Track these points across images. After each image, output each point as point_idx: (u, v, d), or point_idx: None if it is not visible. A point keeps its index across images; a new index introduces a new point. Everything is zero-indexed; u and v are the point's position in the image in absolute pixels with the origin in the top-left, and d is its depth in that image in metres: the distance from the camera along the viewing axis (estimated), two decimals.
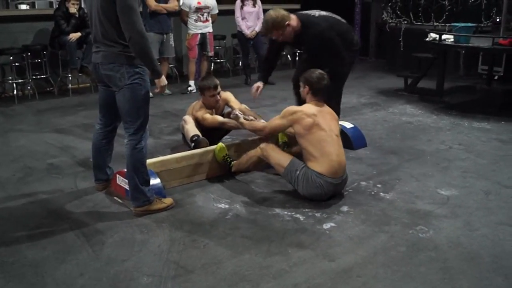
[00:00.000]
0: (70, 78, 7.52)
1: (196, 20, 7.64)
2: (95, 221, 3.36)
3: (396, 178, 4.15)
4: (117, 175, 3.73)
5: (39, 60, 7.31)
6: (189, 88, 7.74)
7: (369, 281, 2.68)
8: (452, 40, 6.67)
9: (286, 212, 3.50)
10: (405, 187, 3.97)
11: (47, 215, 3.48)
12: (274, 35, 4.40)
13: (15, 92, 7.11)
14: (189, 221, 3.38)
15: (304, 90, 3.83)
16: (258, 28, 8.34)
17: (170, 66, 8.30)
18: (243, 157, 4.10)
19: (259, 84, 4.73)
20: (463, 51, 8.49)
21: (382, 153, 4.79)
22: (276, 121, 3.86)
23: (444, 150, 4.90)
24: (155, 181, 3.61)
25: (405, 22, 9.13)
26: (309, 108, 3.72)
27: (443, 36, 6.76)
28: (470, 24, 6.93)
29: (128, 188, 3.49)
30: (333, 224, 3.32)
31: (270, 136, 4.27)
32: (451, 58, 8.67)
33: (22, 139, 5.24)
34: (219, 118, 4.59)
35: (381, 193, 3.84)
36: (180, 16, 7.79)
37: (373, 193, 3.85)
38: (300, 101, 4.41)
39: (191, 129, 4.43)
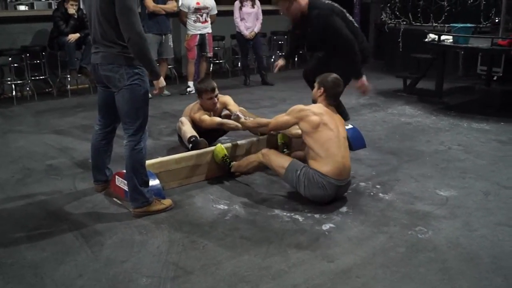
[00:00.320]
0: (69, 79, 7.52)
1: (195, 21, 7.64)
2: (94, 222, 3.36)
3: (395, 179, 4.15)
4: (116, 176, 3.73)
5: (38, 61, 7.29)
6: (188, 89, 7.74)
7: (368, 282, 2.68)
8: (451, 40, 6.68)
9: (285, 213, 3.50)
10: (404, 187, 3.97)
11: (46, 216, 3.48)
12: (280, 6, 4.49)
13: (14, 93, 7.10)
14: (188, 222, 3.38)
15: (318, 91, 3.78)
16: (257, 29, 8.36)
17: (169, 67, 8.29)
18: (243, 161, 4.10)
19: (281, 61, 4.95)
20: (462, 52, 8.50)
21: (381, 154, 4.80)
22: (282, 117, 3.83)
23: (443, 150, 4.91)
24: (154, 182, 3.61)
25: (404, 22, 9.13)
26: (318, 107, 3.70)
27: (442, 37, 6.77)
28: (469, 25, 6.93)
29: (127, 189, 3.49)
30: (332, 225, 3.32)
31: (274, 133, 4.30)
32: (450, 59, 8.68)
33: (21, 140, 5.24)
34: (217, 119, 4.59)
35: (380, 194, 3.84)
36: (179, 16, 7.79)
37: (372, 194, 3.85)
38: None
39: (188, 130, 4.42)
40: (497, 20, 8.30)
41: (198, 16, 7.63)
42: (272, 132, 4.30)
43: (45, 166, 4.46)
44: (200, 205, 3.65)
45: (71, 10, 7.03)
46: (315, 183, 3.52)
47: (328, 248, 3.02)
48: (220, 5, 8.35)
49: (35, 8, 10.48)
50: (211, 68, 9.12)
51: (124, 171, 3.46)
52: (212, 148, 4.17)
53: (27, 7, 10.51)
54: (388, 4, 9.43)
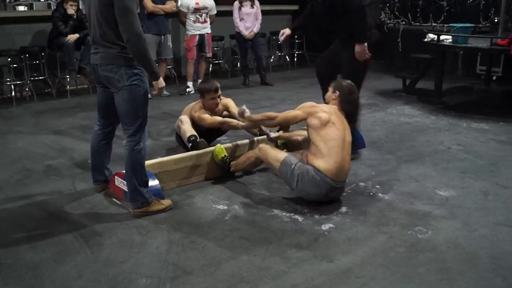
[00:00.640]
0: (68, 80, 7.52)
1: (194, 21, 7.64)
2: (93, 223, 3.35)
3: (394, 179, 4.15)
4: (116, 177, 3.72)
5: (37, 62, 7.29)
6: (187, 89, 7.74)
7: (368, 282, 2.68)
8: (451, 40, 6.68)
9: (284, 213, 3.50)
10: (404, 187, 3.97)
11: (45, 216, 3.47)
12: None
13: (13, 93, 7.10)
14: (187, 222, 3.38)
15: (333, 95, 3.80)
16: (256, 29, 8.37)
17: (168, 67, 8.29)
18: (241, 158, 4.11)
19: (287, 30, 4.83)
20: (462, 52, 8.50)
21: (380, 154, 4.80)
22: (292, 111, 3.83)
23: (443, 150, 4.91)
24: (153, 182, 3.61)
25: (403, 22, 9.14)
26: (329, 107, 3.72)
27: (442, 37, 6.77)
28: (468, 25, 6.94)
29: (126, 190, 3.49)
30: (331, 225, 3.32)
31: (274, 138, 4.33)
32: (449, 59, 8.68)
33: (20, 141, 5.24)
34: (219, 118, 4.60)
35: (380, 194, 3.84)
36: (178, 17, 7.79)
37: (371, 194, 3.85)
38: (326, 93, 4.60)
39: (188, 130, 4.42)
40: (496, 20, 8.30)
41: (198, 16, 7.64)
42: (276, 138, 4.32)
43: (44, 167, 4.46)
44: (200, 206, 3.65)
45: (70, 10, 7.03)
46: (309, 179, 3.49)
47: (328, 248, 3.02)
48: (219, 5, 8.35)
49: (34, 8, 10.48)
50: (210, 69, 9.14)
51: (124, 171, 3.46)
52: (212, 148, 4.17)
53: (26, 7, 10.51)
54: (388, 4, 9.44)
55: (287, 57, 10.58)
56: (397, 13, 9.18)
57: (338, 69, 4.55)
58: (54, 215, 3.50)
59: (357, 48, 4.34)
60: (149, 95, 3.43)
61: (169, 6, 7.31)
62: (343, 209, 3.57)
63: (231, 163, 4.12)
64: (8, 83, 7.17)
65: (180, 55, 9.01)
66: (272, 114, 3.96)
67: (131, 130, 3.33)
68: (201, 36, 7.73)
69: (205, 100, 4.62)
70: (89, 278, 2.72)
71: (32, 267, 2.82)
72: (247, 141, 4.43)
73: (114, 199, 3.71)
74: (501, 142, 5.16)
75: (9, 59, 7.01)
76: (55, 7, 7.68)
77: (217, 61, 9.51)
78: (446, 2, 8.74)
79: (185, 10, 7.61)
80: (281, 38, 4.83)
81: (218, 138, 4.94)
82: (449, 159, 4.63)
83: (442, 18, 8.71)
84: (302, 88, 8.25)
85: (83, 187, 3.97)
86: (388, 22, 9.50)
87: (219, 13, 8.14)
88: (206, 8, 7.69)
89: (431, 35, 6.95)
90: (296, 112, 3.76)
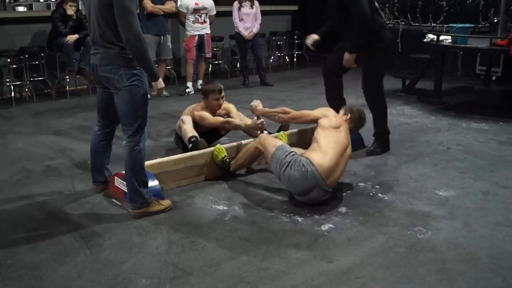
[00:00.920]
0: (68, 80, 7.52)
1: (193, 22, 7.64)
2: (93, 223, 3.35)
3: (394, 179, 4.15)
4: (115, 177, 3.72)
5: (37, 62, 7.29)
6: (187, 90, 7.74)
7: (367, 283, 2.68)
8: (450, 41, 6.68)
9: (284, 214, 3.50)
10: (404, 188, 3.97)
11: (45, 217, 3.47)
12: None
13: (12, 94, 7.10)
14: (187, 223, 3.38)
15: (344, 116, 3.99)
16: (256, 29, 8.36)
17: (167, 67, 8.29)
18: (240, 153, 4.15)
19: (315, 35, 4.88)
20: (461, 52, 8.50)
21: (380, 154, 4.79)
22: (307, 111, 4.03)
23: (442, 151, 4.91)
24: (153, 183, 3.61)
25: (403, 23, 9.14)
26: (341, 119, 3.91)
27: (441, 37, 6.77)
28: (467, 25, 6.94)
29: (126, 190, 3.49)
30: (331, 226, 3.32)
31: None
32: (449, 59, 8.69)
33: (20, 141, 5.23)
34: (221, 118, 4.61)
35: (380, 194, 3.84)
36: (178, 17, 7.79)
37: (371, 194, 3.85)
38: (330, 92, 4.80)
39: (189, 130, 4.43)
40: (495, 20, 8.30)
41: (197, 16, 7.64)
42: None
43: (44, 167, 4.45)
44: (199, 206, 3.65)
45: (70, 11, 7.03)
46: (299, 167, 3.47)
47: (327, 249, 3.02)
48: (218, 5, 8.36)
49: (33, 9, 10.50)
50: (210, 69, 9.13)
51: (123, 172, 3.46)
52: (211, 148, 4.17)
53: (25, 8, 10.53)
54: (387, 5, 9.44)
55: (286, 57, 10.58)
56: (396, 13, 9.18)
57: (344, 67, 4.63)
58: (54, 215, 3.50)
59: (346, 55, 4.42)
60: (149, 96, 3.43)
61: (168, 7, 7.30)
62: (343, 209, 3.57)
63: (231, 162, 4.12)
64: (8, 83, 7.17)
65: (180, 55, 9.01)
66: (287, 109, 4.15)
67: (130, 131, 3.33)
68: (201, 37, 7.73)
69: (208, 101, 4.62)
70: (89, 278, 2.72)
71: (31, 268, 2.82)
72: (247, 141, 4.43)
73: (113, 200, 3.71)
74: (501, 142, 5.16)
75: (9, 60, 7.00)
76: (54, 8, 7.68)
77: (216, 62, 9.51)
78: (446, 2, 8.74)
79: (185, 11, 7.61)
80: (309, 42, 4.88)
81: (219, 139, 4.93)
82: (449, 159, 4.63)
83: (442, 18, 8.71)
84: (302, 88, 8.25)
85: (83, 187, 3.97)
86: (388, 22, 9.50)
87: (219, 14, 8.14)
88: (205, 8, 7.69)
89: (431, 36, 6.96)
90: (311, 111, 3.99)
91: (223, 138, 4.99)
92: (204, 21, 7.73)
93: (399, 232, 3.23)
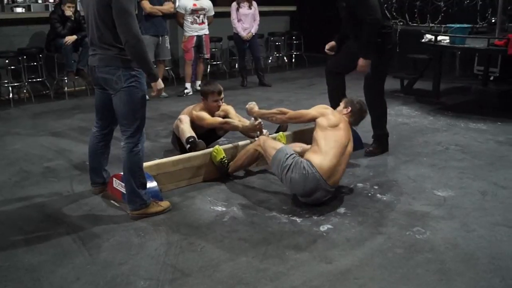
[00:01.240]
0: (66, 81, 7.52)
1: (192, 22, 7.64)
2: (91, 225, 3.35)
3: (392, 180, 4.15)
4: (114, 179, 3.72)
5: (35, 63, 7.28)
6: (186, 91, 7.74)
7: (366, 283, 2.68)
8: (448, 41, 6.69)
9: (283, 215, 3.50)
10: (402, 188, 3.97)
11: (43, 219, 3.47)
12: None
13: (11, 95, 7.09)
14: (186, 224, 3.38)
15: (344, 109, 3.96)
16: (254, 30, 8.36)
17: (166, 68, 8.28)
18: (239, 154, 4.14)
19: (332, 42, 5.00)
20: (459, 52, 8.52)
21: (378, 154, 4.79)
22: (304, 110, 3.98)
23: (441, 151, 4.91)
24: (151, 184, 3.61)
25: (401, 23, 9.15)
26: (340, 115, 3.86)
27: (439, 37, 6.78)
28: (465, 25, 6.95)
29: (124, 192, 3.48)
30: (330, 226, 3.32)
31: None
32: (447, 59, 8.69)
33: (18, 143, 5.23)
34: (219, 118, 4.61)
35: (378, 195, 3.84)
36: (176, 18, 7.79)
37: (370, 194, 3.85)
38: (332, 92, 4.80)
39: (187, 130, 4.42)
40: (493, 20, 8.31)
41: (195, 17, 7.64)
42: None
43: (42, 169, 4.45)
44: (198, 207, 3.65)
45: (68, 12, 7.03)
46: (300, 170, 3.47)
47: (326, 250, 3.02)
48: (217, 6, 8.36)
49: (32, 10, 10.50)
50: (208, 70, 9.13)
51: (122, 173, 3.46)
52: (210, 149, 4.17)
53: (24, 9, 10.52)
54: (385, 5, 9.43)
55: (285, 58, 10.58)
56: (394, 13, 9.19)
57: (347, 67, 4.67)
58: (52, 217, 3.49)
59: (361, 61, 4.45)
60: (147, 97, 3.43)
61: (167, 7, 7.29)
62: (342, 210, 3.57)
63: (229, 164, 4.12)
64: (6, 84, 7.15)
65: (178, 56, 9.00)
66: (284, 109, 4.12)
67: (129, 132, 3.33)
68: (199, 37, 7.73)
69: (207, 102, 4.62)
70: (87, 280, 2.71)
71: (30, 270, 2.82)
72: (245, 142, 4.43)
73: (112, 201, 3.71)
74: (499, 142, 5.16)
75: (7, 61, 6.99)
76: (53, 9, 7.68)
77: (215, 62, 9.51)
78: (444, 2, 8.75)
79: (183, 12, 7.61)
80: (327, 49, 5.00)
81: (217, 140, 4.93)
82: (447, 160, 4.63)
83: (440, 18, 8.72)
84: (300, 89, 8.25)
85: (81, 189, 3.97)
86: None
87: (217, 14, 8.14)
88: (203, 9, 7.69)
89: (429, 36, 6.96)
90: (308, 110, 3.92)
91: (221, 139, 4.99)
92: (202, 22, 7.73)
93: (397, 233, 3.23)
